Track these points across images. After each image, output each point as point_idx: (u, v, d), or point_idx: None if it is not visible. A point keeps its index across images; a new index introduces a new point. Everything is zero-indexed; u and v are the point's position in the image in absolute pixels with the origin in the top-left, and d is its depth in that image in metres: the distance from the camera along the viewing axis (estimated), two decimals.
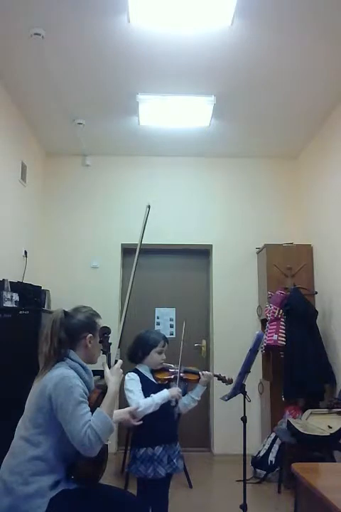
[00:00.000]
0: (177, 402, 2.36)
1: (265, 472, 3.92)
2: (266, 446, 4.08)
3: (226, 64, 3.54)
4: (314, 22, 3.07)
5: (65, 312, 1.96)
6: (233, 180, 5.27)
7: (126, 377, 2.31)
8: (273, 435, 4.11)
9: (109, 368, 1.91)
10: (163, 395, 2.27)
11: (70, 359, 1.87)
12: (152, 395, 2.25)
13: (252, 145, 4.99)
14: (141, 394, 2.27)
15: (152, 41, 3.26)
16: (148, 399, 2.23)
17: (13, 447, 1.78)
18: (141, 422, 2.17)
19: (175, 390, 2.31)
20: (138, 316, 4.77)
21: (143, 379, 2.34)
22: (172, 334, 4.97)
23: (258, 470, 3.98)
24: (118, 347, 2.01)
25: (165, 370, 2.44)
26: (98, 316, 2.04)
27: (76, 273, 4.99)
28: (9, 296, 3.54)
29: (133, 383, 2.30)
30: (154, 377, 2.38)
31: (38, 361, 1.92)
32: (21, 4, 2.93)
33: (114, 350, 1.99)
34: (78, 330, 1.93)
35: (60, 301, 4.43)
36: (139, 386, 2.30)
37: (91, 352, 1.95)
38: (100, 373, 2.24)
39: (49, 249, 5.04)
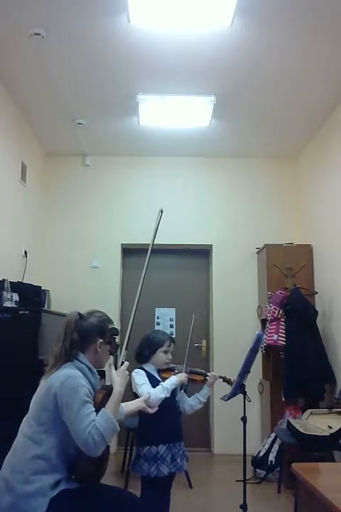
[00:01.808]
0: (184, 389, 2.43)
1: (265, 472, 3.92)
2: (266, 446, 4.08)
3: (226, 64, 3.54)
4: (314, 22, 3.07)
5: (80, 314, 1.98)
6: (233, 180, 5.27)
7: (133, 373, 2.33)
8: (273, 435, 4.11)
9: (116, 369, 1.92)
10: (172, 380, 2.32)
11: (78, 361, 1.88)
12: (161, 383, 2.29)
13: (252, 145, 4.99)
14: (151, 386, 2.28)
15: (152, 41, 3.26)
16: (158, 386, 2.26)
17: (16, 445, 1.79)
18: (157, 409, 2.19)
19: (182, 376, 2.37)
20: (138, 316, 4.74)
21: (150, 377, 2.35)
22: (172, 334, 4.97)
23: (258, 470, 3.98)
24: (125, 349, 2.02)
25: (171, 369, 2.45)
26: (111, 322, 2.06)
27: (76, 273, 4.99)
28: (9, 296, 3.54)
29: (140, 377, 2.32)
30: (160, 377, 2.40)
31: (38, 361, 1.93)
32: (21, 4, 2.93)
33: (121, 351, 2.00)
34: (90, 333, 1.95)
35: (60, 301, 4.45)
36: (147, 379, 2.32)
37: (100, 357, 1.97)
38: (101, 373, 2.25)
39: (49, 249, 5.04)
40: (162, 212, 2.32)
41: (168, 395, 2.26)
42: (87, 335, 1.94)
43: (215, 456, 4.76)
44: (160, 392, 2.24)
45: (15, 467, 1.72)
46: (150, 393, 2.21)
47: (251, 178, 5.27)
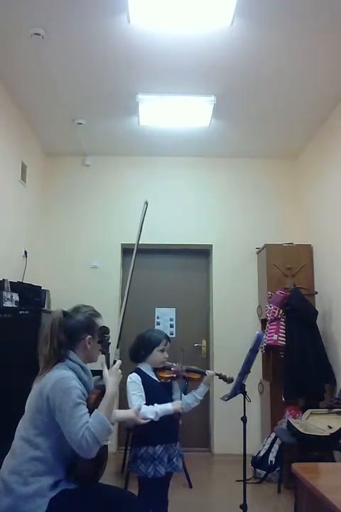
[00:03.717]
0: (184, 391, 2.42)
1: (265, 472, 3.91)
2: (266, 446, 4.08)
3: (226, 64, 3.54)
4: (314, 22, 3.07)
5: (64, 313, 1.96)
6: (233, 180, 5.28)
7: (128, 379, 2.32)
8: (273, 435, 4.11)
9: (108, 368, 1.91)
10: (166, 407, 2.28)
11: (70, 360, 1.87)
12: (156, 404, 2.25)
13: (252, 145, 4.99)
14: (142, 397, 2.28)
15: (152, 41, 3.26)
16: (150, 407, 2.24)
17: (14, 447, 1.78)
18: (147, 420, 2.19)
19: (178, 404, 2.32)
20: (138, 316, 4.77)
21: (146, 378, 2.35)
22: (172, 334, 4.97)
23: (258, 470, 3.98)
24: (117, 347, 2.01)
25: (167, 368, 2.45)
26: (98, 315, 2.03)
27: (76, 273, 4.99)
28: (9, 296, 3.55)
29: (134, 386, 2.30)
30: (157, 376, 2.40)
31: (38, 361, 1.91)
32: (21, 4, 2.93)
33: (113, 350, 1.98)
34: (77, 331, 1.93)
35: (60, 301, 4.43)
36: (140, 388, 2.30)
37: (90, 353, 1.95)
38: (99, 373, 2.24)
39: (49, 249, 5.04)
40: (147, 204, 2.31)
41: (156, 420, 2.22)
42: (75, 333, 1.92)
43: (215, 456, 4.75)
44: (150, 413, 2.21)
45: (13, 469, 1.72)
46: (141, 406, 2.20)
47: (251, 178, 5.27)
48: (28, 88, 3.90)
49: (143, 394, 2.29)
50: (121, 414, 2.21)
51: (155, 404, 2.26)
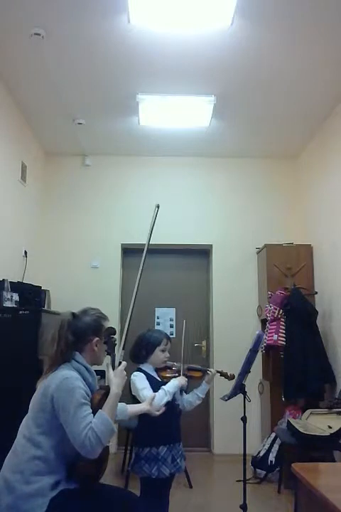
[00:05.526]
0: (186, 391, 2.45)
1: (265, 472, 3.92)
2: (266, 446, 4.08)
3: (226, 64, 3.54)
4: (314, 22, 3.07)
5: (74, 314, 1.97)
6: (233, 180, 5.28)
7: (133, 376, 2.31)
8: (273, 435, 4.11)
9: (113, 369, 1.91)
10: (174, 383, 2.31)
11: (75, 361, 1.88)
12: (162, 386, 2.27)
13: (252, 145, 4.99)
14: (152, 390, 2.28)
15: (152, 41, 3.26)
16: (160, 391, 2.25)
17: (16, 446, 1.79)
18: (164, 410, 2.19)
19: (182, 379, 2.37)
20: (138, 316, 4.72)
21: (149, 378, 2.34)
22: (172, 334, 4.97)
23: (258, 470, 3.98)
24: (123, 349, 2.01)
25: (168, 367, 2.45)
26: (106, 318, 2.04)
27: (76, 273, 4.99)
28: (9, 296, 3.54)
29: (142, 381, 2.30)
30: (158, 376, 2.39)
31: (38, 361, 1.92)
32: (21, 4, 2.93)
33: (118, 352, 1.98)
34: (85, 333, 1.93)
35: (60, 301, 4.45)
36: (147, 382, 2.30)
37: (97, 355, 1.96)
38: (100, 373, 2.25)
39: (49, 249, 5.04)
40: (158, 207, 2.32)
41: (170, 399, 2.25)
42: (83, 334, 1.93)
43: (215, 456, 4.75)
44: (163, 397, 2.22)
45: (15, 467, 1.72)
46: (155, 395, 2.20)
47: (251, 178, 5.27)
48: (28, 88, 3.90)
49: (150, 387, 2.29)
50: (134, 409, 2.18)
51: (161, 387, 2.26)
